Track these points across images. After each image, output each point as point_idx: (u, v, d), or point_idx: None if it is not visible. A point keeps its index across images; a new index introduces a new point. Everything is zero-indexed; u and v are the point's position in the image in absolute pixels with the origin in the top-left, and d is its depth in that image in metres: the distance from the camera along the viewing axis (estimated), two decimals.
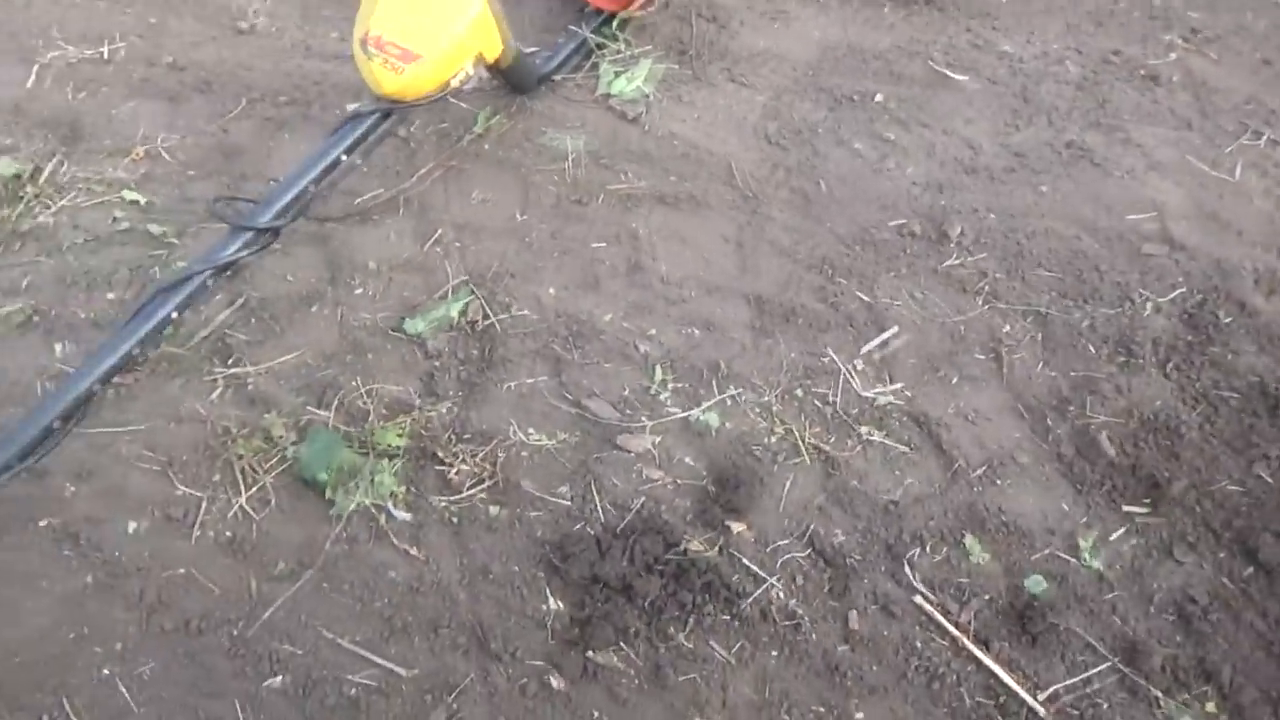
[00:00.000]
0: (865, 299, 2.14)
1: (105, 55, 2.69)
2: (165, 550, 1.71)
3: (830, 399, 1.97)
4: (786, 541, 1.76)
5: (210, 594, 1.66)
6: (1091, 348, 2.07)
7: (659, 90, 2.61)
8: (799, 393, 1.98)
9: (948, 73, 2.70)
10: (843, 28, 2.85)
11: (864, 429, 1.92)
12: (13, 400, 1.90)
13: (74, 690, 1.54)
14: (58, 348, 2.00)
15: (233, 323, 2.06)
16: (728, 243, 2.26)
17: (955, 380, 2.01)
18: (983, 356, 2.05)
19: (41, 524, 1.73)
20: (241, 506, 1.77)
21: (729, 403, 1.96)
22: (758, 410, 1.95)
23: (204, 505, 1.77)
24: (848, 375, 2.01)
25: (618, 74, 2.63)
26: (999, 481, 1.86)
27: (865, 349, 2.05)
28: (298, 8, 2.89)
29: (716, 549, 1.74)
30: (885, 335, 2.07)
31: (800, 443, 1.89)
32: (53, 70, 2.64)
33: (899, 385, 2.00)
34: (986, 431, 1.93)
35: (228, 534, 1.74)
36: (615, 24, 2.78)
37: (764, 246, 2.25)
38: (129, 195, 2.31)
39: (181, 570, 1.68)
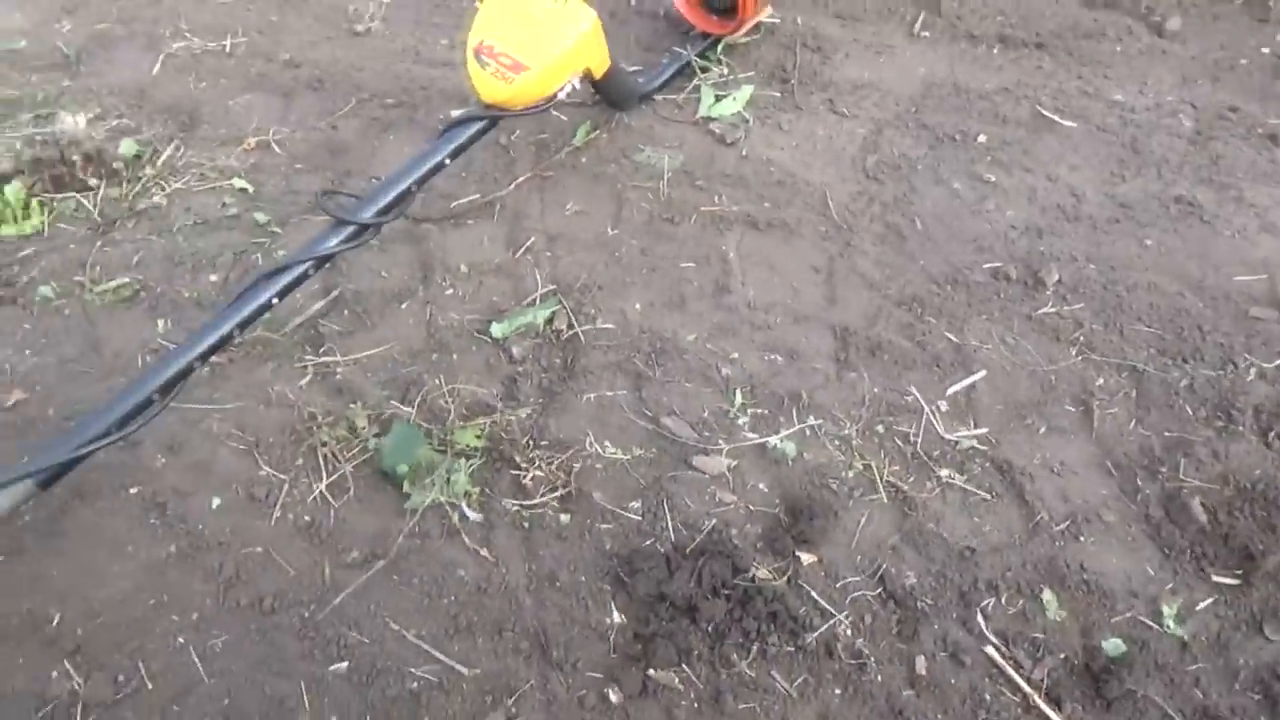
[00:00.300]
0: (953, 339, 2.10)
1: (227, 49, 2.81)
2: (245, 528, 1.75)
3: (911, 438, 1.93)
4: (857, 578, 1.73)
5: (285, 574, 1.69)
6: (1188, 409, 1.99)
7: (758, 116, 2.62)
8: (879, 429, 1.95)
9: (1054, 118, 2.65)
10: (948, 66, 2.82)
11: (944, 471, 1.88)
12: (115, 371, 1.98)
13: (149, 655, 1.58)
14: (160, 323, 2.08)
15: (326, 313, 2.12)
16: (817, 272, 2.24)
17: (1042, 430, 1.96)
18: (1072, 408, 2.00)
19: (132, 491, 1.79)
20: (321, 492, 1.81)
21: (807, 433, 1.94)
22: (836, 443, 1.92)
23: (285, 487, 1.81)
24: (930, 415, 1.97)
25: (718, 97, 2.64)
26: (1082, 537, 1.80)
27: (950, 390, 2.01)
28: (411, 14, 2.98)
29: (785, 579, 1.72)
30: (972, 378, 2.03)
31: (877, 479, 1.86)
32: (177, 60, 2.77)
33: (983, 430, 1.95)
34: (1072, 485, 1.88)
35: (306, 518, 1.77)
36: (719, 48, 2.80)
37: (853, 279, 2.23)
38: (238, 183, 2.40)
39: (259, 549, 1.72)
